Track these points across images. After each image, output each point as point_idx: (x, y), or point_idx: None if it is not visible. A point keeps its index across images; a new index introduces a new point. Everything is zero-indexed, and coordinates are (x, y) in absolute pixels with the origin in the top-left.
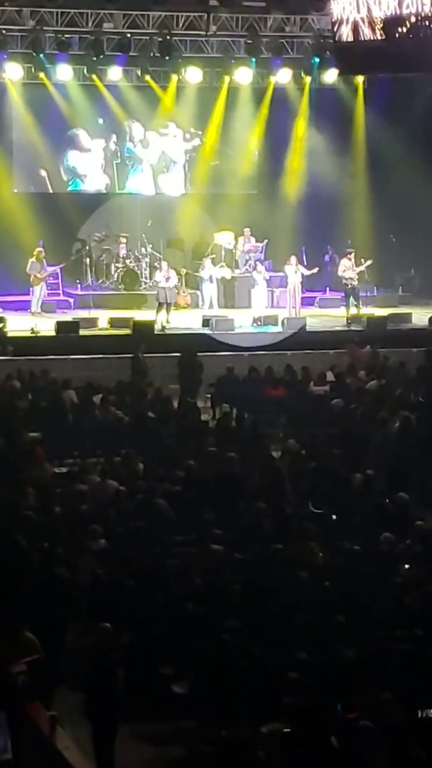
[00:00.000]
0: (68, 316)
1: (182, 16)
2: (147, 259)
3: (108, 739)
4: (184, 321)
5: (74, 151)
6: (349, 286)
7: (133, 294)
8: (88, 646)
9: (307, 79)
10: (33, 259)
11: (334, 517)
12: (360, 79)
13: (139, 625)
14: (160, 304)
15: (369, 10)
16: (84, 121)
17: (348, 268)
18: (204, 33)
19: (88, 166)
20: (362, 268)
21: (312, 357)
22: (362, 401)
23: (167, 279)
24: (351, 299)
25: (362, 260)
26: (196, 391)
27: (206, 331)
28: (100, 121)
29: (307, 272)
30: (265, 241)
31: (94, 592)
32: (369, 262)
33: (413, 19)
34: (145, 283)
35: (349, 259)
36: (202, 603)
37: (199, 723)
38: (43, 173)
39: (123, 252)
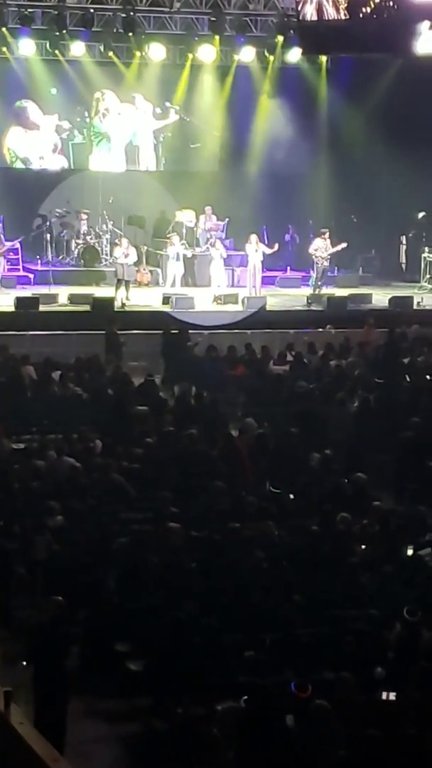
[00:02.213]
0: (28, 292)
1: None
2: (108, 236)
3: (57, 713)
4: (144, 298)
5: (17, 127)
6: (320, 264)
7: (93, 270)
8: (39, 620)
9: (271, 58)
10: None
11: (291, 496)
12: (323, 59)
13: (95, 602)
14: (119, 281)
15: None
16: (43, 97)
17: (321, 248)
18: (168, 10)
19: (32, 146)
20: (337, 249)
21: (272, 336)
22: (321, 381)
23: (126, 256)
24: (315, 279)
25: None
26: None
27: (166, 309)
28: (53, 91)
29: (268, 251)
30: (227, 219)
31: (50, 569)
32: (344, 245)
33: (377, 0)
34: (106, 260)
35: (323, 239)
36: (158, 581)
37: (154, 700)
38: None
39: (84, 228)
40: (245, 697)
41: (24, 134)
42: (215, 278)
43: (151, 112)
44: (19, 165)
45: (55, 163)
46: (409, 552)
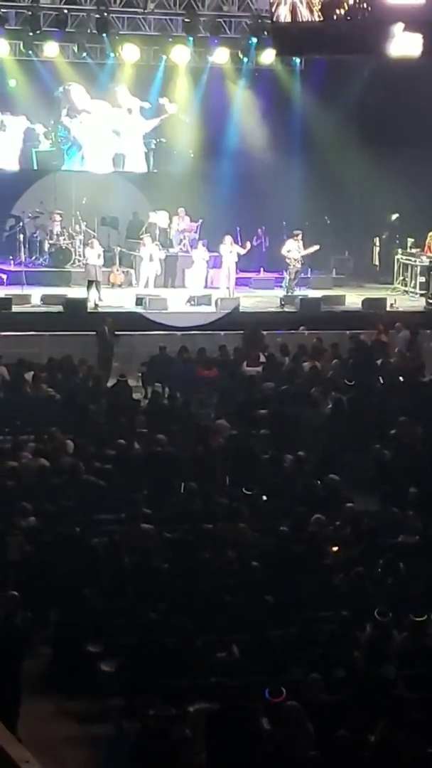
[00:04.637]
0: (0, 293)
1: None
2: (81, 237)
3: (9, 710)
4: (117, 299)
5: None
6: (293, 266)
7: (65, 271)
8: None
9: (245, 59)
10: None
11: (264, 498)
12: (297, 60)
13: (67, 603)
14: (90, 282)
15: None
16: (10, 96)
17: (293, 249)
18: (141, 11)
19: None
20: (310, 251)
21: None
22: (294, 383)
23: (98, 256)
24: (288, 280)
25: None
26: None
27: (139, 309)
28: (12, 83)
29: (242, 251)
30: (200, 220)
31: (23, 570)
32: (316, 248)
33: (351, 2)
34: (79, 261)
35: (296, 241)
36: (130, 581)
37: (126, 701)
38: None
39: (57, 229)
40: (217, 699)
41: None
42: (192, 280)
43: (138, 108)
44: None
45: (18, 165)
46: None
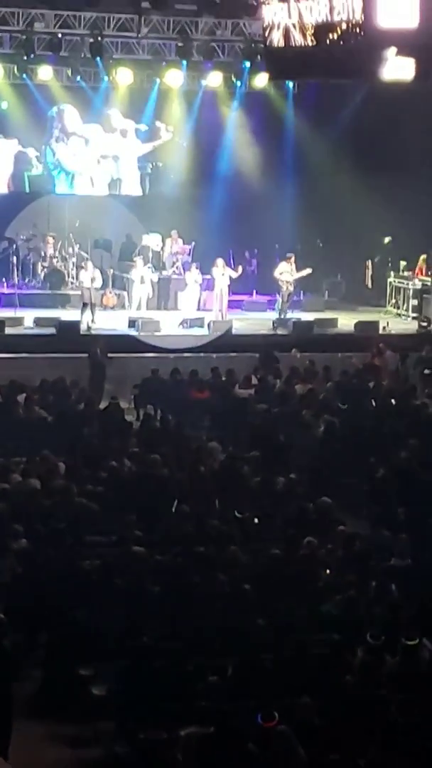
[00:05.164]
0: None
1: (114, 17)
2: (74, 259)
3: (1, 733)
4: (110, 321)
5: None
6: (285, 289)
7: (59, 294)
8: None
9: (238, 83)
10: None
11: (255, 520)
12: (290, 84)
13: (58, 626)
14: (85, 305)
15: (300, 15)
16: (8, 121)
17: (286, 272)
18: (135, 35)
19: None
20: (302, 274)
21: (237, 360)
22: (286, 405)
23: (92, 279)
24: (280, 303)
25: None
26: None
27: (132, 332)
28: (3, 105)
29: (234, 274)
30: (193, 243)
31: (13, 591)
32: (309, 270)
33: (344, 26)
34: (72, 283)
35: (289, 263)
36: (122, 604)
37: (117, 725)
38: None
39: (50, 251)
40: (208, 723)
41: None
42: (185, 302)
43: (134, 130)
44: None
45: (8, 188)
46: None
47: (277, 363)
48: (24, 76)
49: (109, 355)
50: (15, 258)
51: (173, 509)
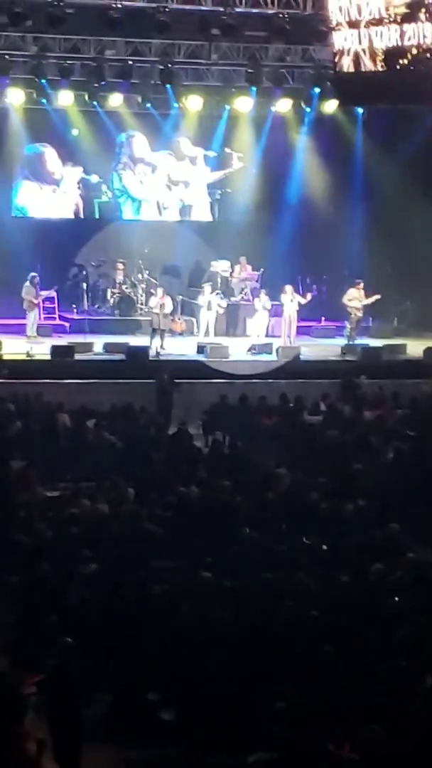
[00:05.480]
0: (63, 341)
1: (184, 44)
2: (143, 285)
3: (70, 758)
4: (179, 347)
5: (30, 183)
6: (354, 315)
7: (128, 319)
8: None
9: (307, 109)
10: (27, 283)
11: (324, 547)
12: (359, 110)
13: (127, 651)
14: (154, 330)
15: (370, 41)
16: (69, 143)
17: (355, 298)
18: (205, 62)
19: (48, 205)
20: (371, 300)
21: (306, 386)
22: (355, 431)
23: (161, 305)
24: (349, 329)
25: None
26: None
27: (200, 358)
28: (74, 132)
29: (303, 301)
30: (262, 269)
31: (82, 616)
32: (378, 297)
33: (414, 51)
34: (141, 309)
35: (358, 290)
36: (190, 630)
37: (185, 750)
38: (46, 198)
39: (120, 278)
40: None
41: (38, 191)
42: (254, 328)
43: (203, 157)
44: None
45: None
46: None
47: (359, 390)
48: (94, 103)
49: (177, 381)
50: (85, 284)
51: (241, 535)
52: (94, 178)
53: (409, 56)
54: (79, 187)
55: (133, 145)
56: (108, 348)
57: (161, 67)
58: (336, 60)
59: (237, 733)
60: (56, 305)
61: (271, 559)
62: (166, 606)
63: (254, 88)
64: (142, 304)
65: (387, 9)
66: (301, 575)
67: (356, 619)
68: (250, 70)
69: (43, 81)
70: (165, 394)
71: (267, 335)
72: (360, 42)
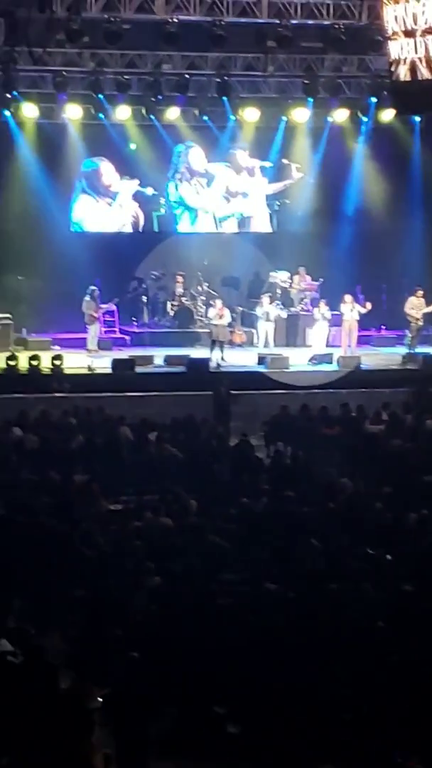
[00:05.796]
0: (124, 354)
1: (240, 57)
2: (203, 297)
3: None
4: (239, 358)
5: (87, 196)
6: (413, 324)
7: (188, 332)
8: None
9: (364, 119)
10: (88, 297)
11: (388, 557)
12: (416, 118)
13: (192, 664)
14: (214, 342)
15: (427, 50)
16: (126, 157)
17: (416, 307)
18: (262, 73)
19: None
20: (431, 309)
21: (367, 396)
22: (417, 440)
23: (221, 317)
24: (410, 338)
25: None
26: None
27: (261, 369)
28: (132, 147)
29: (363, 310)
30: (321, 279)
31: (148, 630)
32: None
33: None
34: (200, 321)
35: (418, 298)
36: (255, 642)
37: (253, 763)
38: (102, 211)
39: (179, 290)
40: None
41: (94, 205)
42: (314, 339)
43: (260, 168)
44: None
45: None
46: None
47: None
48: (151, 117)
49: (235, 392)
50: (145, 297)
51: (305, 546)
52: (149, 191)
53: None
54: (135, 200)
55: (190, 157)
56: (169, 360)
57: (218, 79)
58: (392, 69)
59: (304, 745)
60: (116, 318)
61: (335, 570)
62: (231, 618)
63: (311, 99)
64: (201, 315)
65: None
66: (365, 586)
67: (421, 629)
68: (306, 81)
69: (101, 96)
70: (222, 406)
71: (327, 345)
72: (416, 51)
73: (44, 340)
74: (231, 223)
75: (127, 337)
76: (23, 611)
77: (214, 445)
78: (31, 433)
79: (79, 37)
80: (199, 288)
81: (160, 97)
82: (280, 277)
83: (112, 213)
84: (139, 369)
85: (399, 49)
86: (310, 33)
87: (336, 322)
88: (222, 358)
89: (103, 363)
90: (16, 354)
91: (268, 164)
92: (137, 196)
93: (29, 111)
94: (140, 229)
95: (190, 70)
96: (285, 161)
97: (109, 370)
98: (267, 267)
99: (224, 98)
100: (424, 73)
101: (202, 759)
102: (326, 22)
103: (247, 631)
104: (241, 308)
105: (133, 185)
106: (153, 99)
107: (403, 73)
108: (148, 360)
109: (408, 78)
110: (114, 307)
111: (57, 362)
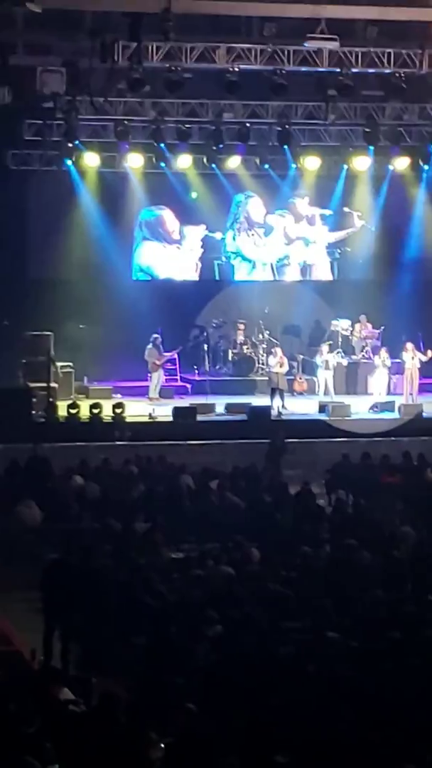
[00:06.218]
0: (185, 402)
1: (301, 105)
2: (264, 345)
3: None
4: (300, 406)
5: (153, 243)
6: None
7: (249, 380)
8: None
9: (425, 167)
10: (150, 345)
11: None
12: None
13: (254, 713)
14: (273, 390)
15: None
16: (189, 206)
17: None
18: (322, 122)
19: (171, 265)
20: None
21: (429, 444)
22: None
23: (281, 365)
24: None
25: None
26: None
27: (323, 417)
28: (193, 195)
29: (424, 358)
30: (382, 327)
31: (209, 678)
32: None
33: None
34: (262, 369)
35: None
36: (317, 691)
37: None
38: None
39: (240, 338)
40: None
41: (162, 250)
42: (375, 386)
43: (320, 216)
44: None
45: (198, 275)
46: None
47: None
48: (213, 165)
49: (296, 440)
50: (206, 345)
51: (367, 595)
52: (217, 236)
53: None
54: (202, 246)
55: (250, 207)
56: (230, 408)
57: (279, 128)
58: None
59: None
60: (177, 366)
61: (397, 618)
62: (292, 667)
63: (372, 147)
64: (262, 364)
65: None
66: (428, 633)
67: None
68: (367, 129)
69: (162, 145)
70: (276, 453)
71: (389, 393)
72: None
73: (105, 388)
74: (290, 271)
75: (188, 386)
76: (84, 659)
77: (275, 493)
78: (93, 482)
79: (141, 86)
80: (261, 336)
81: (221, 145)
82: (341, 325)
83: (181, 257)
84: (200, 417)
85: None
86: (370, 81)
87: (397, 369)
88: (283, 406)
89: (164, 411)
90: (78, 402)
91: (328, 212)
92: (204, 242)
93: (91, 160)
94: (199, 277)
95: (251, 118)
96: (346, 209)
97: (170, 419)
98: (328, 315)
99: (285, 147)
100: None
101: None
102: (387, 71)
103: (308, 680)
104: (301, 356)
105: (201, 230)
106: (214, 147)
107: None
108: (210, 408)
109: None
110: (176, 356)
111: (118, 410)
